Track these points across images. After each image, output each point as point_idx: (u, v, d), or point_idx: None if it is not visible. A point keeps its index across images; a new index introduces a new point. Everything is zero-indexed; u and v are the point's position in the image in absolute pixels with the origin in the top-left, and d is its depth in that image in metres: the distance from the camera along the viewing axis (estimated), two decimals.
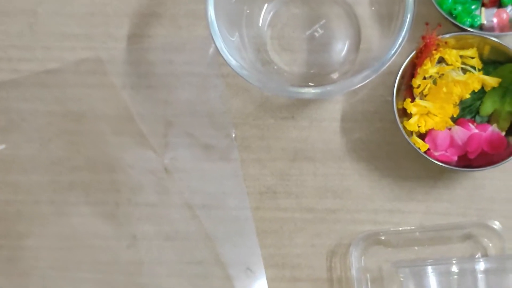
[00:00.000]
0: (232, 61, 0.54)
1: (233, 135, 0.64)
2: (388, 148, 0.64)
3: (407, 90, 0.63)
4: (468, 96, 0.62)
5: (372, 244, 0.62)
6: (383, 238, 0.61)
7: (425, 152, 0.60)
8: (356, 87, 0.55)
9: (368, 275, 0.61)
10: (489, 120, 0.64)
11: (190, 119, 0.64)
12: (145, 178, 0.64)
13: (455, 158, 0.63)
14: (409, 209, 0.63)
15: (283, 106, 0.65)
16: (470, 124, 0.62)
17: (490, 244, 0.62)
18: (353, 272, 0.59)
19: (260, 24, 0.64)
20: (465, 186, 0.63)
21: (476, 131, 0.62)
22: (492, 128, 0.62)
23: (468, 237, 0.62)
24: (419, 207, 0.63)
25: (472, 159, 0.61)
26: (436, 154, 0.61)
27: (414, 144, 0.60)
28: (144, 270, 0.64)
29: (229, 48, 0.55)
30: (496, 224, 0.60)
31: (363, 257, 0.61)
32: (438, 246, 0.62)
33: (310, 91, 0.55)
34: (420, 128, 0.62)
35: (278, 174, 0.64)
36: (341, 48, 0.65)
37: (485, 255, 0.61)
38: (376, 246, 0.62)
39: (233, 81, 0.64)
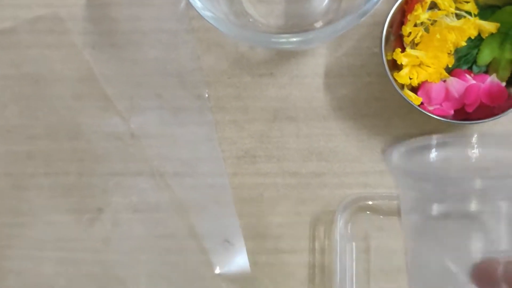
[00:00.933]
0: (205, 12, 0.48)
1: (206, 95, 0.58)
2: (377, 105, 0.58)
3: (396, 40, 0.57)
4: (464, 44, 0.57)
5: (360, 210, 0.56)
6: (372, 203, 0.55)
7: (418, 106, 0.53)
8: (341, 33, 0.50)
9: (354, 244, 0.54)
10: (488, 70, 0.59)
11: (159, 79, 0.59)
12: (110, 145, 0.58)
13: (452, 112, 0.57)
14: None
15: (260, 62, 0.59)
16: (467, 75, 0.57)
17: None
18: (337, 240, 0.52)
19: None
20: None
21: (474, 82, 0.57)
22: (491, 79, 0.57)
23: None
24: None
25: (470, 113, 0.56)
26: (431, 108, 0.56)
27: (407, 98, 0.53)
28: (111, 246, 0.58)
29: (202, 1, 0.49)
30: None
31: (349, 225, 0.55)
32: None
33: (290, 39, 0.50)
34: (412, 80, 0.56)
35: (257, 137, 0.58)
36: None
37: None
38: (364, 212, 0.56)
39: (204, 36, 0.59)
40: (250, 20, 0.60)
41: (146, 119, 0.59)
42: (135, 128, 0.59)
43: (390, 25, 0.56)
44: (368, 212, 0.57)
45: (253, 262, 0.57)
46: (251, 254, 0.58)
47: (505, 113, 0.54)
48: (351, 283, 0.55)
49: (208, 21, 0.49)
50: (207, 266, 0.57)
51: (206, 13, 0.49)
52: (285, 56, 0.60)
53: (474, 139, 0.42)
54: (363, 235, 0.57)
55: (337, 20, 0.54)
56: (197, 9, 0.49)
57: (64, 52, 0.60)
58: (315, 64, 0.60)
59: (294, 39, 0.50)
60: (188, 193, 0.58)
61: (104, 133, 0.59)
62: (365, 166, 0.58)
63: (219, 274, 0.57)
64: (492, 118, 0.54)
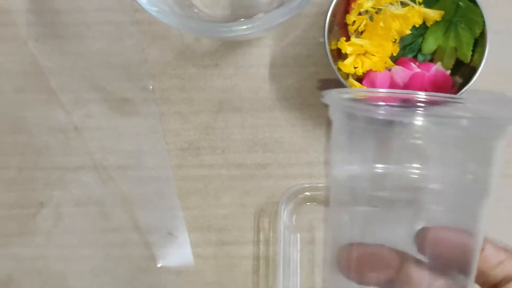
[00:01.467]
0: (150, 6, 0.50)
1: (151, 87, 0.58)
2: None
3: (342, 29, 0.57)
4: (408, 32, 0.56)
5: (305, 201, 0.55)
6: (317, 193, 0.54)
7: None
8: (282, 20, 0.50)
9: (298, 235, 0.54)
10: (433, 58, 0.58)
11: (103, 72, 0.58)
12: (52, 139, 0.58)
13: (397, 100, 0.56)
14: None
15: (205, 54, 0.58)
16: (412, 64, 0.57)
17: None
18: (281, 232, 0.51)
19: None
20: None
21: (419, 70, 0.56)
22: (436, 67, 0.57)
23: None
24: None
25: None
26: None
27: (351, 87, 0.53)
28: (54, 241, 0.57)
29: None
30: None
31: (294, 216, 0.55)
32: None
33: (233, 28, 0.50)
34: (357, 69, 0.56)
35: (202, 128, 0.57)
36: None
37: None
38: (309, 203, 0.55)
39: (149, 28, 0.58)
40: (196, 11, 0.60)
41: (89, 111, 0.59)
42: (78, 121, 0.58)
43: (334, 15, 0.55)
44: (313, 203, 0.56)
45: (197, 255, 0.57)
46: (195, 246, 0.57)
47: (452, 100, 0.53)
48: (296, 274, 0.55)
49: (152, 15, 0.48)
50: (150, 260, 0.57)
51: (152, 8, 0.49)
52: (230, 47, 0.60)
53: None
54: (308, 226, 0.56)
55: None
56: (142, 5, 0.48)
57: (6, 45, 0.60)
58: (261, 55, 0.59)
59: (237, 27, 0.49)
60: (132, 186, 0.58)
61: (47, 126, 0.58)
62: (310, 156, 0.58)
63: (162, 267, 0.56)
64: (435, 106, 0.54)
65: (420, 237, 0.35)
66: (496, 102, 0.39)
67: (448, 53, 0.57)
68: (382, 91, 0.40)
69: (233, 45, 0.59)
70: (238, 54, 0.59)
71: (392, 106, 0.40)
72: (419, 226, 0.35)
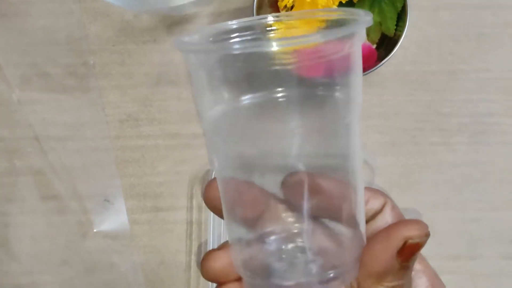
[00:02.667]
0: None
1: (92, 62, 0.61)
2: None
3: (272, 7, 0.61)
4: (335, 7, 0.59)
5: None
6: None
7: None
8: None
9: None
10: None
11: (46, 48, 0.62)
12: None
13: (321, 72, 0.60)
14: None
15: (145, 30, 0.62)
16: None
17: None
18: None
19: None
20: None
21: None
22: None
23: None
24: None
25: None
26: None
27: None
28: None
29: None
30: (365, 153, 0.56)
31: None
32: None
33: None
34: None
35: (140, 100, 0.61)
36: None
37: None
38: None
39: (91, 5, 0.63)
40: None
41: (31, 86, 0.62)
42: (21, 95, 0.62)
43: None
44: None
45: (133, 220, 0.60)
46: (131, 213, 0.60)
47: (371, 70, 0.57)
48: (225, 238, 0.58)
49: None
50: (88, 225, 0.60)
51: None
52: (168, 24, 0.63)
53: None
54: None
55: None
56: None
57: None
58: None
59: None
60: (72, 156, 0.61)
61: None
62: None
63: (98, 232, 0.59)
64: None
65: (285, 182, 0.37)
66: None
67: (373, 27, 0.61)
68: (229, 23, 0.41)
69: (170, 22, 0.63)
70: (175, 31, 0.63)
71: (241, 37, 0.39)
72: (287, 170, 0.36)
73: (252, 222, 0.37)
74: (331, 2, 0.58)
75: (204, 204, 0.56)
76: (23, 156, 0.61)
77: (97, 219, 0.59)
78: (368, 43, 0.60)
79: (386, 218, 0.40)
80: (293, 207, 0.37)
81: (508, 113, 0.60)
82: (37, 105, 0.62)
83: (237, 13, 0.62)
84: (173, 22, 0.63)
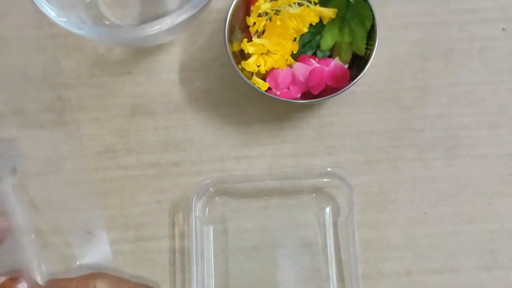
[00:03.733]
0: (60, 18, 0.56)
1: (67, 97, 0.63)
2: (230, 94, 0.64)
3: (244, 31, 0.63)
4: (306, 30, 0.62)
5: (217, 194, 0.60)
6: (228, 186, 0.60)
7: (266, 91, 0.59)
8: (190, 14, 0.56)
9: (211, 227, 0.59)
10: (331, 53, 0.64)
11: (20, 84, 0.64)
12: None
13: (299, 95, 0.63)
14: (256, 154, 0.62)
15: (118, 62, 0.64)
16: (312, 60, 0.63)
17: (341, 195, 0.62)
18: (193, 224, 0.57)
19: None
20: (313, 125, 0.63)
21: (318, 65, 0.62)
22: (335, 61, 0.63)
23: (317, 189, 0.60)
24: (267, 150, 0.62)
25: (316, 95, 0.61)
26: (278, 92, 0.61)
27: (254, 84, 0.59)
28: None
29: (55, 7, 0.56)
30: (344, 173, 0.58)
31: (207, 209, 0.60)
32: (289, 196, 0.60)
33: (144, 29, 0.56)
34: (260, 68, 0.61)
35: (117, 132, 0.63)
36: None
37: (335, 207, 0.62)
38: (221, 196, 0.60)
39: (64, 41, 0.64)
40: (107, 23, 0.66)
41: (8, 122, 0.63)
42: None
43: (236, 18, 0.61)
44: (224, 196, 0.61)
45: (116, 251, 0.61)
46: (114, 243, 0.62)
47: (344, 89, 0.59)
48: (210, 264, 0.60)
49: (63, 26, 0.55)
50: (71, 259, 0.61)
51: (61, 19, 0.54)
52: (141, 55, 0.65)
53: None
54: (220, 218, 0.61)
55: None
56: (51, 17, 0.54)
57: None
58: (171, 61, 0.65)
59: (147, 29, 0.56)
60: (51, 190, 0.63)
61: None
62: (221, 152, 0.63)
63: (81, 265, 0.61)
64: (331, 95, 0.60)
65: None
66: None
67: (344, 48, 0.63)
68: None
69: (144, 53, 0.65)
70: (149, 61, 0.65)
71: None
72: None
73: None
74: (302, 24, 0.60)
75: (186, 232, 0.58)
76: (4, 195, 0.62)
77: (80, 252, 0.60)
78: (340, 63, 0.62)
79: None
80: None
81: (480, 125, 0.62)
82: (14, 141, 0.63)
83: (210, 39, 0.64)
84: (147, 52, 0.65)
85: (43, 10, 0.54)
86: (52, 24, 0.64)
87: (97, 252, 0.61)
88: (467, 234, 0.60)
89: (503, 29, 0.64)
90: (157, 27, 0.53)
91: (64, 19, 0.54)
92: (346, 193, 0.60)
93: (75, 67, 0.64)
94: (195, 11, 0.54)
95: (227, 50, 0.59)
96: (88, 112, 0.63)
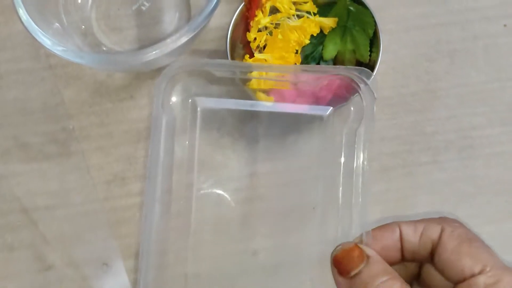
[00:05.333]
0: (56, 47, 0.55)
1: (71, 127, 0.62)
2: (236, 111, 0.63)
3: (245, 47, 0.63)
4: (307, 41, 0.62)
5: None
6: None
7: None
8: (189, 37, 0.56)
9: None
10: (335, 63, 0.64)
11: (20, 118, 0.63)
12: None
13: (306, 107, 0.62)
14: (268, 170, 0.62)
15: (119, 88, 0.64)
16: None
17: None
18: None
19: (81, 7, 0.65)
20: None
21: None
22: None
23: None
24: (278, 165, 0.62)
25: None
26: None
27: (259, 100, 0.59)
28: None
29: (51, 37, 0.55)
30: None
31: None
32: None
33: (144, 54, 0.55)
34: (264, 83, 0.61)
35: (124, 159, 0.62)
36: (172, 18, 0.65)
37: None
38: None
39: (62, 71, 0.64)
40: (104, 49, 0.65)
41: (11, 158, 0.63)
42: (2, 168, 0.62)
43: (236, 34, 0.61)
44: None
45: (134, 281, 0.60)
46: (131, 273, 0.61)
47: (353, 97, 0.59)
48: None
49: (60, 55, 0.54)
50: None
51: (57, 48, 0.54)
52: (142, 79, 0.65)
53: None
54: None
55: None
56: (46, 46, 0.54)
57: None
58: None
59: (146, 54, 0.55)
60: (62, 224, 0.62)
61: None
62: (234, 171, 0.63)
63: None
64: (340, 105, 0.60)
65: None
66: None
67: (348, 56, 0.64)
68: None
69: (145, 77, 0.65)
70: (150, 85, 0.65)
71: None
72: None
73: None
74: (303, 36, 0.60)
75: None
76: (13, 230, 0.61)
77: (97, 284, 0.60)
78: None
79: (446, 246, 0.41)
80: None
81: (491, 124, 0.62)
82: (20, 177, 0.63)
83: (211, 57, 0.65)
84: (148, 76, 0.64)
85: (39, 40, 0.53)
86: (49, 55, 0.64)
87: (114, 283, 0.60)
88: (488, 235, 0.60)
89: (505, 25, 0.65)
90: (157, 51, 0.53)
91: (61, 48, 0.54)
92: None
93: (76, 96, 0.63)
94: (194, 32, 0.53)
95: None
96: (93, 141, 0.63)
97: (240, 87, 0.59)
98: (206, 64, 0.57)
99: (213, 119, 0.62)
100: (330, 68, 0.59)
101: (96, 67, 0.62)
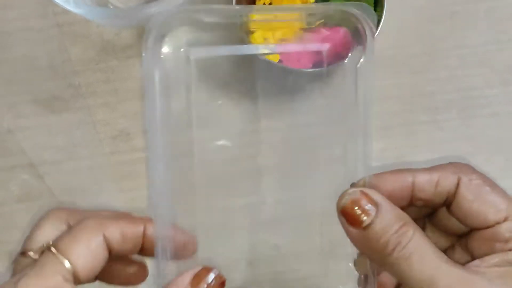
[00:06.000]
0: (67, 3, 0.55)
1: (77, 83, 0.64)
2: (240, 69, 0.65)
3: (251, 3, 0.64)
4: (312, 0, 0.62)
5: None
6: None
7: (277, 63, 0.60)
8: None
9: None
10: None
11: (29, 74, 0.65)
12: None
13: (310, 65, 0.63)
14: (270, 127, 0.63)
15: (126, 46, 0.65)
16: (322, 29, 0.63)
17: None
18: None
19: None
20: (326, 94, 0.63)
21: (328, 33, 0.63)
22: (344, 30, 0.63)
23: None
24: (280, 123, 0.63)
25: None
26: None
27: (264, 57, 0.60)
28: None
29: None
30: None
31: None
32: None
33: (149, 8, 0.55)
34: (268, 40, 0.62)
35: (130, 115, 0.64)
36: None
37: None
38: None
39: (69, 29, 0.65)
40: (111, 7, 0.67)
41: (20, 113, 0.65)
42: (10, 123, 0.64)
43: None
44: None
45: None
46: None
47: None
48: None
49: (70, 9, 0.55)
50: None
51: (67, 3, 0.55)
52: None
53: None
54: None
55: None
56: (57, 1, 0.55)
57: None
58: (178, 39, 0.66)
59: (152, 8, 0.56)
60: (68, 177, 0.63)
61: None
62: (236, 127, 0.64)
63: None
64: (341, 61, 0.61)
65: None
66: None
67: None
68: None
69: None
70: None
71: None
72: None
73: None
74: None
75: None
76: (20, 183, 0.63)
77: None
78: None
79: (466, 195, 0.42)
80: None
81: (490, 85, 0.64)
82: (27, 131, 0.64)
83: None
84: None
85: (62, 4, 0.54)
86: (57, 13, 0.65)
87: None
88: None
89: None
90: (162, 5, 0.54)
91: (72, 3, 0.54)
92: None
93: (82, 54, 0.65)
94: None
95: None
96: (99, 97, 0.64)
97: (236, 32, 0.59)
98: (198, 11, 0.52)
99: (208, 69, 0.61)
100: (332, 5, 0.59)
101: (103, 22, 0.63)
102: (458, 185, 0.43)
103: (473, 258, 0.43)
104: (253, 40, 0.59)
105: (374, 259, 0.43)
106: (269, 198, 0.61)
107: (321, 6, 0.59)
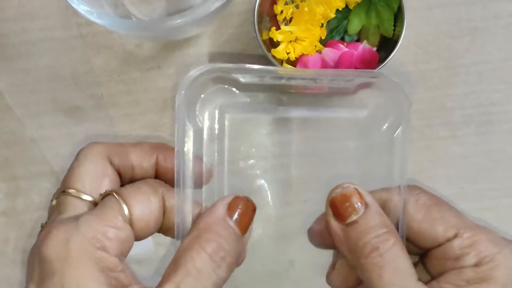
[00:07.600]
0: (90, 15, 0.56)
1: (100, 94, 0.65)
2: None
3: (272, 20, 0.65)
4: (333, 15, 0.64)
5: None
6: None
7: None
8: (210, 10, 0.56)
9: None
10: (359, 38, 0.65)
11: (52, 85, 0.66)
12: (9, 152, 0.64)
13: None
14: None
15: (147, 58, 0.66)
16: (340, 45, 0.64)
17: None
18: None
19: None
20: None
21: (347, 50, 0.64)
22: (363, 45, 0.64)
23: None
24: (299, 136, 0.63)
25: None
26: None
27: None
28: (19, 248, 0.63)
29: (86, 4, 0.57)
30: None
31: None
32: None
33: (171, 21, 0.56)
34: (289, 55, 0.63)
35: (150, 126, 0.64)
36: None
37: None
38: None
39: (93, 40, 0.66)
40: (134, 19, 0.68)
41: (42, 122, 0.66)
42: (33, 132, 0.65)
43: (263, 7, 0.63)
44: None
45: (157, 243, 0.63)
46: (155, 235, 0.63)
47: (375, 71, 0.61)
48: None
49: (93, 21, 0.56)
50: None
51: (91, 13, 0.56)
52: (170, 49, 0.67)
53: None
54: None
55: None
56: (81, 12, 0.56)
57: None
58: (199, 54, 0.67)
59: (174, 21, 0.56)
60: None
61: (3, 140, 0.65)
62: (256, 140, 0.65)
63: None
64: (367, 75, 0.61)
65: None
66: None
67: (372, 31, 0.65)
68: None
69: (172, 47, 0.67)
70: (178, 55, 0.67)
71: None
72: None
73: None
74: (329, 10, 0.62)
75: None
76: (42, 191, 0.64)
77: None
78: (368, 46, 0.64)
79: (414, 216, 0.43)
80: None
81: (509, 100, 0.64)
82: (49, 140, 0.65)
83: (237, 31, 0.66)
84: (175, 46, 0.67)
85: (75, 6, 0.55)
86: (80, 24, 0.66)
87: (137, 244, 0.62)
88: (505, 208, 0.61)
89: None
90: (186, 18, 0.55)
91: (95, 13, 0.55)
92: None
93: (105, 65, 0.66)
94: (223, 1, 0.55)
95: (258, 38, 0.61)
96: (120, 108, 0.65)
97: (262, 60, 0.60)
98: (230, 70, 0.52)
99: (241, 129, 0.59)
100: (361, 72, 0.59)
101: (126, 33, 0.64)
102: (404, 207, 0.43)
103: (432, 278, 0.42)
104: (276, 54, 0.60)
105: (348, 257, 0.43)
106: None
107: (357, 73, 0.59)
